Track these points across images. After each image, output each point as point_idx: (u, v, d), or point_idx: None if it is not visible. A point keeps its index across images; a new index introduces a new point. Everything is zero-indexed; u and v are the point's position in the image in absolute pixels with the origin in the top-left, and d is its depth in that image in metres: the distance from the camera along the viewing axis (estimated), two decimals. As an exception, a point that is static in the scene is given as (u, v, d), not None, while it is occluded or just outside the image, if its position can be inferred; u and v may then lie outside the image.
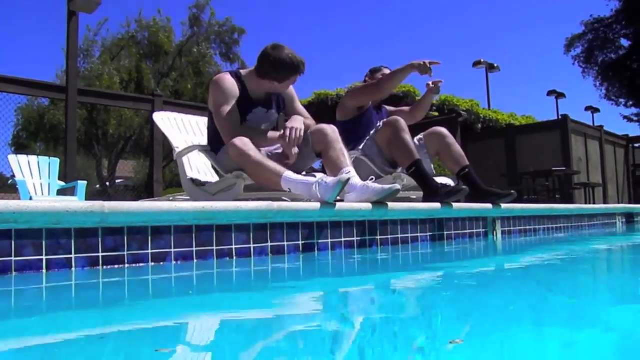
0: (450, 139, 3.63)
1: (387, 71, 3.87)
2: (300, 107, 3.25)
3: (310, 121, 3.19)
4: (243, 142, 2.77)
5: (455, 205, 3.17)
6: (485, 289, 1.63)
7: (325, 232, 2.49)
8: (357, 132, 3.69)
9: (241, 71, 3.14)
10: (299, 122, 2.94)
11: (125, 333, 1.07)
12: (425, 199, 3.21)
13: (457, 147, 3.62)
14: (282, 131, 2.92)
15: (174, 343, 0.99)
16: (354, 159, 3.38)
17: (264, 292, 1.60)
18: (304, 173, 3.01)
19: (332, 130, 2.98)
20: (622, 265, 2.50)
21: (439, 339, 0.99)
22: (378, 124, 3.61)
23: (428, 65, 3.35)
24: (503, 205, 3.51)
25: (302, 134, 2.91)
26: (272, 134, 3.00)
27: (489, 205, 3.45)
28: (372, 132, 3.65)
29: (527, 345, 0.93)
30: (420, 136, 3.73)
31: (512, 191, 3.45)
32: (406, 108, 4.03)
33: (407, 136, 3.35)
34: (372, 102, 3.82)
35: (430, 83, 3.76)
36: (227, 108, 2.92)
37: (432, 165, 3.84)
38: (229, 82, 2.97)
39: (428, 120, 10.27)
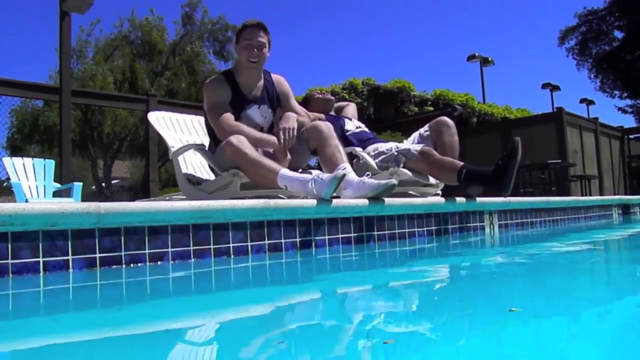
0: (449, 129, 3.53)
1: (316, 97, 3.94)
2: (295, 104, 3.26)
3: (306, 119, 3.18)
4: (239, 140, 2.77)
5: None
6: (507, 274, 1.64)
7: (322, 228, 2.49)
8: None
9: (232, 68, 3.18)
10: (292, 121, 2.94)
11: (125, 334, 1.07)
12: (487, 189, 3.17)
13: (450, 139, 3.51)
14: (277, 132, 2.92)
15: (175, 347, 0.99)
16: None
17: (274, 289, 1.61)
18: (300, 170, 3.01)
19: (327, 127, 2.98)
20: None
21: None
22: (414, 153, 3.39)
23: None
24: (503, 199, 3.51)
25: (295, 132, 2.91)
26: (267, 136, 3.00)
27: (486, 199, 3.46)
28: (404, 158, 3.44)
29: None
30: (425, 127, 3.69)
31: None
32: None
33: (438, 157, 3.31)
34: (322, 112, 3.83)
35: None
36: (218, 110, 2.97)
37: None
38: (217, 84, 3.04)
39: (423, 115, 10.33)
